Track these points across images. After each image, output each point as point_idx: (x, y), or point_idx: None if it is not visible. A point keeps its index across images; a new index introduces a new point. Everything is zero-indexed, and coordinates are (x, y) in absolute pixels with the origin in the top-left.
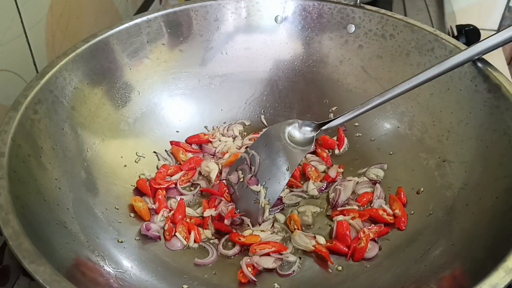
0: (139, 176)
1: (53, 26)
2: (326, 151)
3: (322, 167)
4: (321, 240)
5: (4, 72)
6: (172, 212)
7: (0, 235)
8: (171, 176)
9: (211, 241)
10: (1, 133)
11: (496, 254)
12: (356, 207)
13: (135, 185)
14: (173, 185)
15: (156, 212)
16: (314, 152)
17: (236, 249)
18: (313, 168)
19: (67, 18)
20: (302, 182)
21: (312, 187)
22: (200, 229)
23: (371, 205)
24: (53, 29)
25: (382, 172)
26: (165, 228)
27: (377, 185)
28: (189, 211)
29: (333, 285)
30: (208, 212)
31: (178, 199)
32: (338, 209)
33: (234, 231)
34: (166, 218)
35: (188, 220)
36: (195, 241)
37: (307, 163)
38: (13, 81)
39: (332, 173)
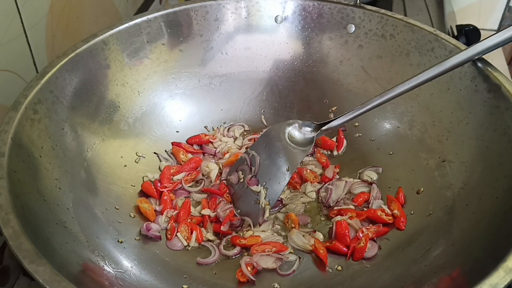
0: (143, 179)
1: (53, 26)
2: (325, 155)
3: (318, 170)
4: (320, 236)
5: (4, 72)
6: (176, 211)
7: (0, 235)
8: (174, 176)
9: (214, 242)
10: (1, 133)
11: (496, 254)
12: (353, 207)
13: (135, 185)
14: (179, 185)
15: (161, 213)
16: (313, 155)
17: (237, 249)
18: (308, 171)
19: (67, 18)
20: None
21: (310, 189)
22: (203, 230)
23: (369, 205)
24: (53, 29)
25: (376, 175)
26: (168, 227)
27: (373, 185)
28: (191, 210)
29: (333, 285)
30: (207, 211)
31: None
32: (335, 208)
33: (234, 233)
34: (170, 218)
35: (189, 220)
36: (196, 241)
37: (302, 168)
38: (13, 81)
39: (329, 173)
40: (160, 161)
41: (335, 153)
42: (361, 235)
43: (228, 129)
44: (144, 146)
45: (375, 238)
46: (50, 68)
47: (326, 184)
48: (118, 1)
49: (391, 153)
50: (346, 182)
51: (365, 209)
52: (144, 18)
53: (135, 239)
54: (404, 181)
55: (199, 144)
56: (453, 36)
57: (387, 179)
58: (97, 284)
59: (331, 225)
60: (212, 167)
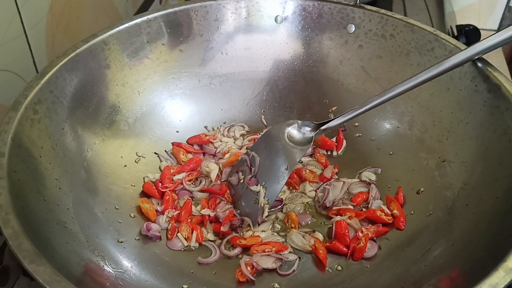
0: (143, 179)
1: (53, 26)
2: (325, 156)
3: (318, 171)
4: (319, 236)
5: (4, 72)
6: (177, 212)
7: (0, 235)
8: (174, 176)
9: (214, 242)
10: (1, 133)
11: (496, 254)
12: (351, 207)
13: (135, 185)
14: (180, 185)
15: (162, 213)
16: (312, 155)
17: (238, 250)
18: (308, 171)
19: (67, 18)
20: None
21: (310, 189)
22: (204, 230)
23: (368, 206)
24: (53, 29)
25: (374, 176)
26: (169, 227)
27: (372, 185)
28: (192, 209)
29: (333, 285)
30: (206, 211)
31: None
32: (334, 208)
33: (234, 233)
34: (171, 218)
35: (189, 220)
36: (196, 241)
37: (301, 168)
38: (13, 81)
39: (328, 173)
40: (161, 161)
41: (334, 153)
42: (360, 235)
43: (228, 129)
44: (144, 146)
45: (375, 238)
46: (50, 68)
47: (324, 184)
48: (118, 1)
49: (391, 153)
50: (344, 182)
51: (364, 209)
52: (144, 18)
53: (135, 239)
54: (404, 181)
55: (199, 144)
56: (453, 36)
57: (387, 179)
58: (97, 284)
59: (331, 225)
60: (212, 167)
